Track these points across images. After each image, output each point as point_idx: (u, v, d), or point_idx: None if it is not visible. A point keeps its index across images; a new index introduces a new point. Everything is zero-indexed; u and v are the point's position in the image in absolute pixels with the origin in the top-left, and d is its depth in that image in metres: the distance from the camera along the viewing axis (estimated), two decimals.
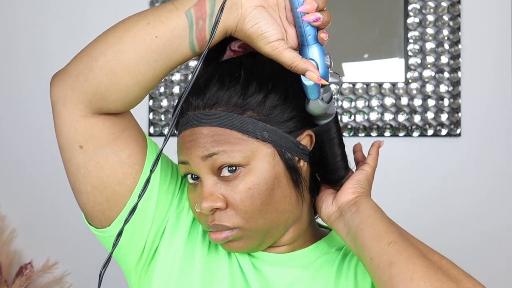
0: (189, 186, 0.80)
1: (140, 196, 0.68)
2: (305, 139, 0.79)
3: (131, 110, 0.80)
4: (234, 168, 0.75)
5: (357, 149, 0.89)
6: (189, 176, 0.79)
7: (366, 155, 0.87)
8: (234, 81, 0.76)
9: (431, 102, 1.97)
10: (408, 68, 1.99)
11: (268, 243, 0.81)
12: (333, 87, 1.98)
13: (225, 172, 0.75)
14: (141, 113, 2.04)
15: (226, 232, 0.77)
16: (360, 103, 1.98)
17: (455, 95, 1.97)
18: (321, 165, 0.82)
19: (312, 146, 0.80)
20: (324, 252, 0.85)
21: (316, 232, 0.88)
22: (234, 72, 0.77)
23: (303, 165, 0.80)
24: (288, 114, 0.77)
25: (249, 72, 0.77)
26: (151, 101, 2.02)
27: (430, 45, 1.98)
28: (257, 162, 0.75)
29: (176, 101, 2.03)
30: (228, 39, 0.78)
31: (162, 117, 2.02)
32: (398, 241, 0.73)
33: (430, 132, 1.97)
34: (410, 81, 1.98)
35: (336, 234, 0.87)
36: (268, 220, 0.77)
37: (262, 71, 0.78)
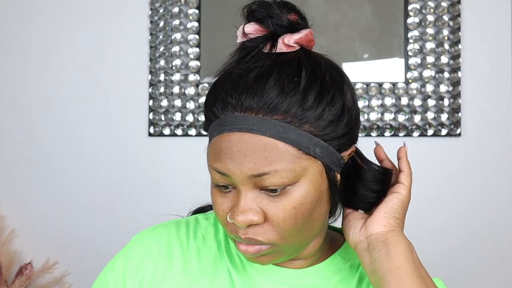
0: (217, 188, 0.72)
1: None
2: (348, 154, 0.75)
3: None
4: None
5: (380, 157, 0.81)
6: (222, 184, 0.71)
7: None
8: (295, 88, 0.68)
9: (431, 102, 1.97)
10: (408, 68, 1.99)
11: (293, 256, 0.77)
12: None
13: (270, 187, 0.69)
14: (141, 113, 2.04)
15: (258, 247, 0.71)
16: (360, 103, 1.98)
17: (455, 95, 1.97)
18: (353, 181, 0.77)
19: (348, 158, 0.76)
20: (339, 268, 0.81)
21: (332, 242, 0.84)
22: (293, 76, 0.69)
23: (338, 178, 0.74)
24: (341, 131, 0.71)
25: (309, 77, 0.69)
26: (151, 101, 2.02)
27: (430, 45, 1.98)
28: (306, 180, 0.69)
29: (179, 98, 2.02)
30: (282, 31, 0.72)
31: (162, 117, 2.02)
32: None
33: (430, 132, 1.97)
34: (410, 81, 1.98)
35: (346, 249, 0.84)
36: (303, 238, 0.73)
37: (322, 78, 0.71)
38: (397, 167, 0.81)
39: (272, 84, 0.68)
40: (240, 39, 0.74)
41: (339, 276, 0.80)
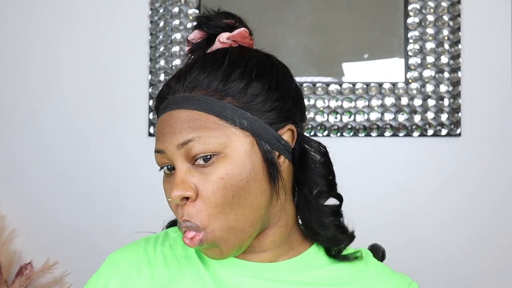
0: (164, 176, 0.77)
1: None
2: (287, 133, 0.76)
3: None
4: (209, 156, 0.72)
5: None
6: (165, 168, 0.76)
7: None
8: (217, 67, 0.74)
9: (431, 102, 1.97)
10: (408, 68, 1.99)
11: (248, 242, 0.76)
12: None
13: (200, 161, 0.72)
14: (141, 113, 2.04)
15: (198, 235, 0.73)
16: (360, 103, 1.98)
17: (455, 95, 1.97)
18: (301, 169, 0.78)
19: (294, 143, 0.77)
20: (317, 264, 0.82)
21: (303, 241, 0.84)
22: (218, 59, 0.76)
23: (283, 161, 0.76)
24: (269, 105, 0.75)
25: (234, 60, 0.76)
26: (151, 101, 2.02)
27: (430, 45, 1.98)
28: (233, 150, 0.72)
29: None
30: (218, 31, 0.80)
31: None
32: None
33: (430, 132, 1.97)
34: (410, 81, 1.98)
35: (320, 246, 0.84)
36: (240, 216, 0.73)
37: (248, 61, 0.76)
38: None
39: (197, 66, 0.75)
40: (187, 47, 0.83)
41: (315, 272, 0.81)
